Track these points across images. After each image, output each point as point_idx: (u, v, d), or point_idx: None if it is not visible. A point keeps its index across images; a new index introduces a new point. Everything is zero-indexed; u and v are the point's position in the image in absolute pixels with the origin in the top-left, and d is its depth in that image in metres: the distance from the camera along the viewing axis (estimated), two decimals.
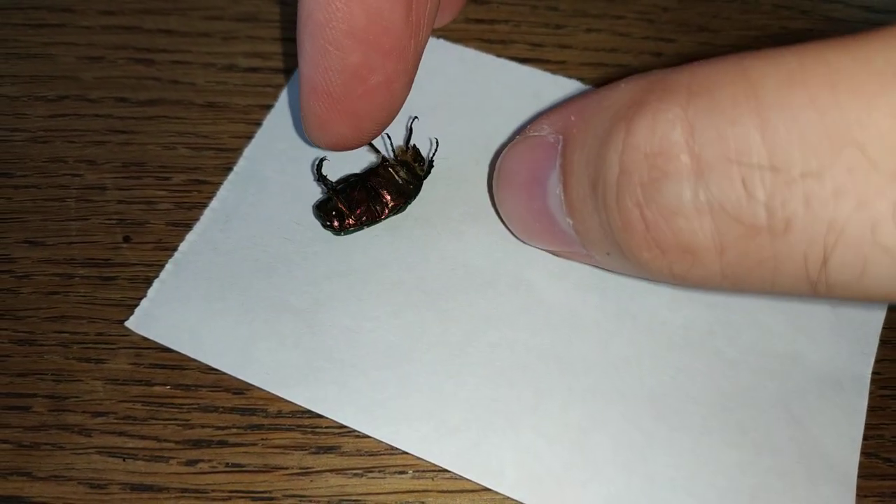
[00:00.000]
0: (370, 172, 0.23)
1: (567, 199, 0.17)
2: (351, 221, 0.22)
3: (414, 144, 0.23)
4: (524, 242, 0.21)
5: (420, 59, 0.20)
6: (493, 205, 0.22)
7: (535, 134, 0.18)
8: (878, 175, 0.11)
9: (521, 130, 0.19)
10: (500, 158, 0.20)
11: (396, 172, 0.23)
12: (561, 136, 0.17)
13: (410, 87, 0.21)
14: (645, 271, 0.16)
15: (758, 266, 0.13)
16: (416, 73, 0.21)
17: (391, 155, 0.23)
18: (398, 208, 0.23)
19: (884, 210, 0.11)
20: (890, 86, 0.11)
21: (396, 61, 0.19)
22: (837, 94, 0.12)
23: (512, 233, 0.22)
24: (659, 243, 0.14)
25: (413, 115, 0.23)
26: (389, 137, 0.24)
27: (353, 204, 0.22)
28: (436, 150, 0.24)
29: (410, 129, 0.23)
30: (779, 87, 0.12)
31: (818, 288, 0.13)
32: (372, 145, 0.23)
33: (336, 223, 0.22)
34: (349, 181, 0.23)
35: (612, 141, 0.15)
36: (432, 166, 0.23)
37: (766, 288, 0.14)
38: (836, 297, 0.13)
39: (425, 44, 0.20)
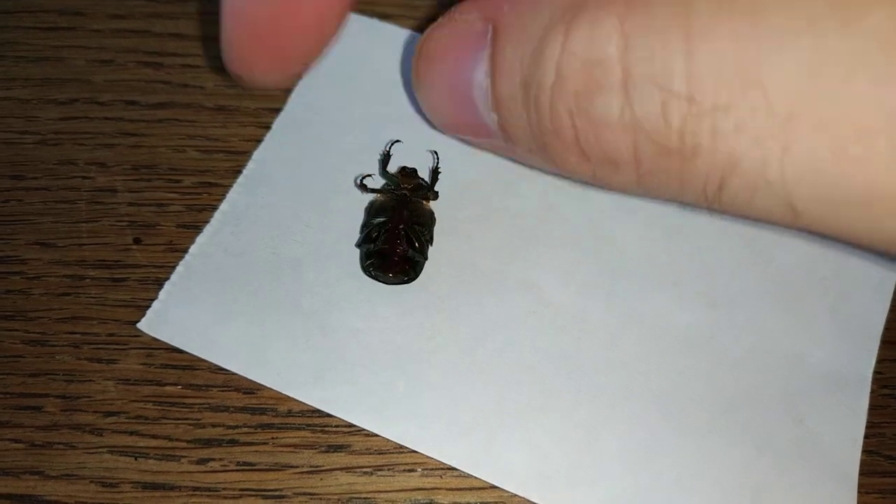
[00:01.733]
0: (401, 214, 0.22)
1: (495, 94, 0.16)
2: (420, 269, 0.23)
3: (404, 167, 0.24)
4: (440, 131, 0.20)
5: None
6: (411, 87, 0.20)
7: (463, 17, 0.17)
8: (773, 117, 0.12)
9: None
10: (421, 39, 0.18)
11: (427, 198, 0.23)
12: (491, 26, 0.16)
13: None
14: (566, 172, 0.16)
15: (667, 181, 0.15)
16: None
17: (395, 185, 0.23)
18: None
19: (774, 149, 0.12)
20: (802, 34, 0.12)
21: None
22: (757, 31, 0.12)
23: (427, 119, 0.20)
24: (586, 151, 0.15)
25: (394, 140, 0.24)
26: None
27: (422, 255, 0.22)
28: (438, 162, 0.24)
29: (387, 154, 0.24)
30: (709, 14, 0.13)
31: (713, 206, 0.14)
32: (370, 189, 0.23)
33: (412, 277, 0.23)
34: (384, 229, 0.22)
35: (550, 43, 0.15)
36: (439, 174, 0.24)
37: (674, 198, 0.15)
38: (728, 215, 0.15)
39: None
